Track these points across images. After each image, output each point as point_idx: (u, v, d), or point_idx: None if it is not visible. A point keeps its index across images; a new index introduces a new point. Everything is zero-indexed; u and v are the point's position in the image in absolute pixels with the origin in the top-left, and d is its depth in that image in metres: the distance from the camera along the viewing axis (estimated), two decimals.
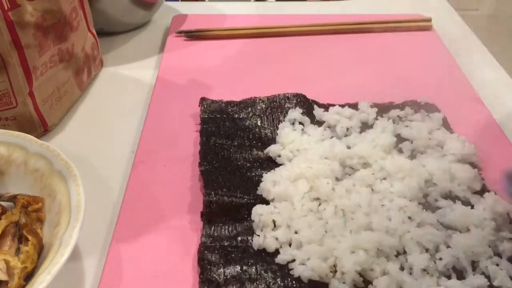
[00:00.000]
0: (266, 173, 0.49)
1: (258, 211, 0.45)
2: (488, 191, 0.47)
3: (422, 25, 0.76)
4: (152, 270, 0.42)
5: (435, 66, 0.69)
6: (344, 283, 0.40)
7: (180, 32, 0.75)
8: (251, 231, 0.44)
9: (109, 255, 0.43)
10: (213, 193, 0.47)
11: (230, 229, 0.45)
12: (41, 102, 0.56)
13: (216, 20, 0.81)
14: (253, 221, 0.45)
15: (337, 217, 0.45)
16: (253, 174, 0.50)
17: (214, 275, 0.40)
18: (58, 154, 0.45)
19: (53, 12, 0.55)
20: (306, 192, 0.46)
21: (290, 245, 0.43)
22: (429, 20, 0.77)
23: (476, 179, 0.48)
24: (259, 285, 0.40)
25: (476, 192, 0.48)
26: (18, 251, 0.40)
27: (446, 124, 0.56)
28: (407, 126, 0.55)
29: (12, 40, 0.50)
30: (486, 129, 0.57)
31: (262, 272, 0.41)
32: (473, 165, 0.50)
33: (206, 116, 0.57)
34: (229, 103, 0.59)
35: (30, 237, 0.40)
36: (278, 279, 0.40)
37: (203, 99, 0.59)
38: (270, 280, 0.40)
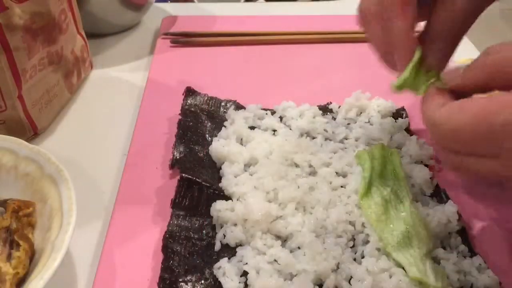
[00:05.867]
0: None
1: (217, 207, 0.45)
2: (441, 193, 0.49)
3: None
4: (145, 274, 0.42)
5: None
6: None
7: (166, 34, 0.75)
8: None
9: (102, 259, 0.43)
10: (187, 181, 0.47)
11: (197, 221, 0.45)
12: (31, 105, 0.55)
13: (206, 21, 0.80)
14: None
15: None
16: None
17: (175, 264, 0.41)
18: (49, 158, 0.44)
19: (41, 15, 0.54)
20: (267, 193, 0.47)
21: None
22: None
23: (430, 181, 0.49)
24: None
25: (428, 195, 0.49)
26: (9, 257, 0.40)
27: (407, 129, 0.57)
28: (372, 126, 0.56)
29: (1, 43, 0.50)
30: None
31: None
32: (429, 167, 0.51)
33: (186, 108, 0.58)
34: (213, 98, 0.60)
35: (21, 242, 0.40)
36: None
37: (188, 90, 0.60)
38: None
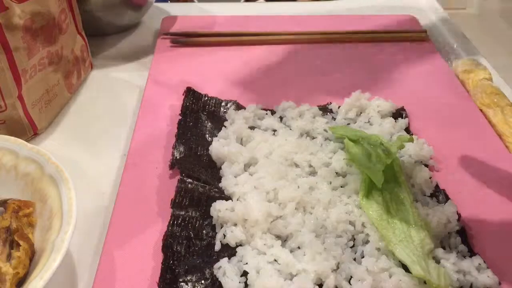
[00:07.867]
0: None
1: (216, 207, 0.45)
2: (441, 193, 0.49)
3: (417, 36, 0.76)
4: (145, 274, 0.42)
5: (432, 77, 0.68)
6: None
7: (166, 34, 0.75)
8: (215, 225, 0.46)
9: (102, 260, 0.43)
10: (188, 181, 0.48)
11: (197, 221, 0.45)
12: (31, 105, 0.55)
13: (206, 21, 0.80)
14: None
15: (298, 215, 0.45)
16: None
17: (175, 264, 0.41)
18: (49, 158, 0.44)
19: (41, 15, 0.54)
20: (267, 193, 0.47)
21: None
22: (424, 31, 0.76)
23: (430, 181, 0.49)
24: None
25: (428, 195, 0.49)
26: (9, 257, 0.40)
27: (407, 129, 0.57)
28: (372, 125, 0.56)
29: (1, 42, 0.50)
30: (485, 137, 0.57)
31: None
32: (429, 167, 0.52)
33: (186, 108, 0.58)
34: (213, 98, 0.60)
35: (21, 242, 0.40)
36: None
37: (188, 90, 0.60)
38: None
